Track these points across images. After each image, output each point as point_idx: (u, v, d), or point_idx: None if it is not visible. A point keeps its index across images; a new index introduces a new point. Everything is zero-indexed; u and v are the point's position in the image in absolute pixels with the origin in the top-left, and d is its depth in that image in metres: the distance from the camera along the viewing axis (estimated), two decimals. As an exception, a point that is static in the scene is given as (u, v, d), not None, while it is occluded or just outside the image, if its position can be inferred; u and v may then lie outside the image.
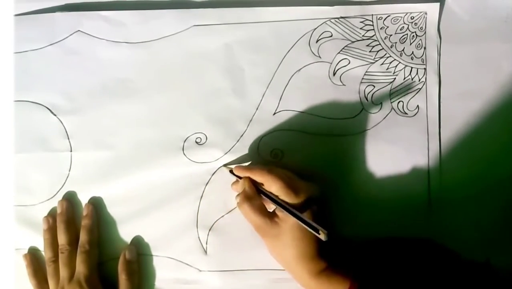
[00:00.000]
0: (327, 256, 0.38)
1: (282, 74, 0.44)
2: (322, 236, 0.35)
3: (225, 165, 0.44)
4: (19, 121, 0.45)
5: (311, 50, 0.44)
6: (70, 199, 0.45)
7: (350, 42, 0.43)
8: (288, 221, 0.38)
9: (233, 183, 0.43)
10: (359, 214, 0.43)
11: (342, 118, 0.43)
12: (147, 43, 0.45)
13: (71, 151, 0.45)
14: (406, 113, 0.43)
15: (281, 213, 0.38)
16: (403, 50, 0.43)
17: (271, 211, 0.40)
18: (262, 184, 0.40)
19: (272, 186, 0.38)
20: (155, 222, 0.44)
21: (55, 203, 0.45)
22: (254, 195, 0.39)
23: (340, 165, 0.43)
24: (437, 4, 0.43)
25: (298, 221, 0.37)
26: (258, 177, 0.39)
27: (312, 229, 0.36)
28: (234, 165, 0.42)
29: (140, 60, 0.45)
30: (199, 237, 0.44)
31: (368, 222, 0.43)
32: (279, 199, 0.38)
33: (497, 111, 0.43)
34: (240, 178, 0.41)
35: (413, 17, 0.43)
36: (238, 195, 0.40)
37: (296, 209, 0.37)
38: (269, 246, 0.40)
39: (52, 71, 0.45)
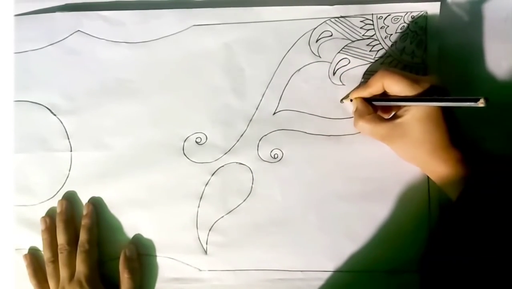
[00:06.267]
0: (459, 145, 0.37)
1: (282, 74, 0.44)
2: (481, 103, 0.32)
3: (342, 100, 0.43)
4: (19, 121, 0.45)
5: (311, 49, 0.44)
6: (70, 199, 0.45)
7: (350, 41, 0.43)
8: (415, 115, 0.37)
9: (353, 110, 0.42)
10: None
11: (342, 118, 0.43)
12: (147, 43, 0.45)
13: (71, 151, 0.45)
14: (406, 113, 0.43)
15: (404, 112, 0.38)
16: (403, 49, 0.43)
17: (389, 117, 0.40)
18: (383, 92, 0.39)
19: (392, 85, 0.38)
20: (155, 222, 0.44)
21: (55, 203, 0.45)
22: (367, 109, 0.40)
23: (340, 164, 0.43)
24: (438, 4, 0.43)
25: (432, 107, 0.36)
26: (375, 87, 0.39)
27: (463, 102, 0.34)
28: (351, 92, 0.42)
29: (140, 60, 0.45)
30: (199, 237, 0.44)
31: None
32: (404, 97, 0.37)
33: (497, 111, 0.42)
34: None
35: (414, 16, 0.43)
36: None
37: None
38: (400, 151, 0.40)
39: (52, 71, 0.45)
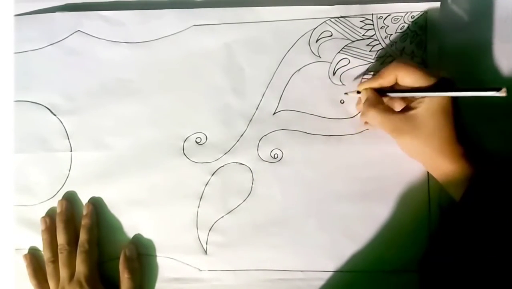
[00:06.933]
0: (463, 143, 0.37)
1: (282, 74, 0.44)
2: (503, 92, 0.32)
3: (346, 93, 0.43)
4: (19, 121, 0.45)
5: (311, 49, 0.44)
6: (70, 199, 0.45)
7: (350, 41, 0.43)
8: (429, 108, 0.36)
9: (357, 103, 0.42)
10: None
11: (342, 118, 0.43)
12: (147, 43, 0.45)
13: (71, 151, 0.45)
14: (406, 113, 0.43)
15: (417, 104, 0.37)
16: (403, 49, 0.43)
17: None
18: (393, 85, 0.39)
19: (406, 76, 0.37)
20: (155, 222, 0.44)
21: (55, 203, 0.45)
22: (378, 100, 0.39)
23: (340, 164, 0.43)
24: (438, 4, 0.43)
25: (446, 101, 0.35)
26: (388, 78, 0.38)
27: (485, 92, 0.33)
28: (359, 84, 0.42)
29: (140, 60, 0.45)
30: (199, 237, 0.44)
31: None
32: (418, 88, 0.37)
33: (497, 111, 0.43)
34: None
35: (414, 16, 0.43)
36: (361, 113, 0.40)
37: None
38: (407, 145, 0.39)
39: (52, 71, 0.45)
